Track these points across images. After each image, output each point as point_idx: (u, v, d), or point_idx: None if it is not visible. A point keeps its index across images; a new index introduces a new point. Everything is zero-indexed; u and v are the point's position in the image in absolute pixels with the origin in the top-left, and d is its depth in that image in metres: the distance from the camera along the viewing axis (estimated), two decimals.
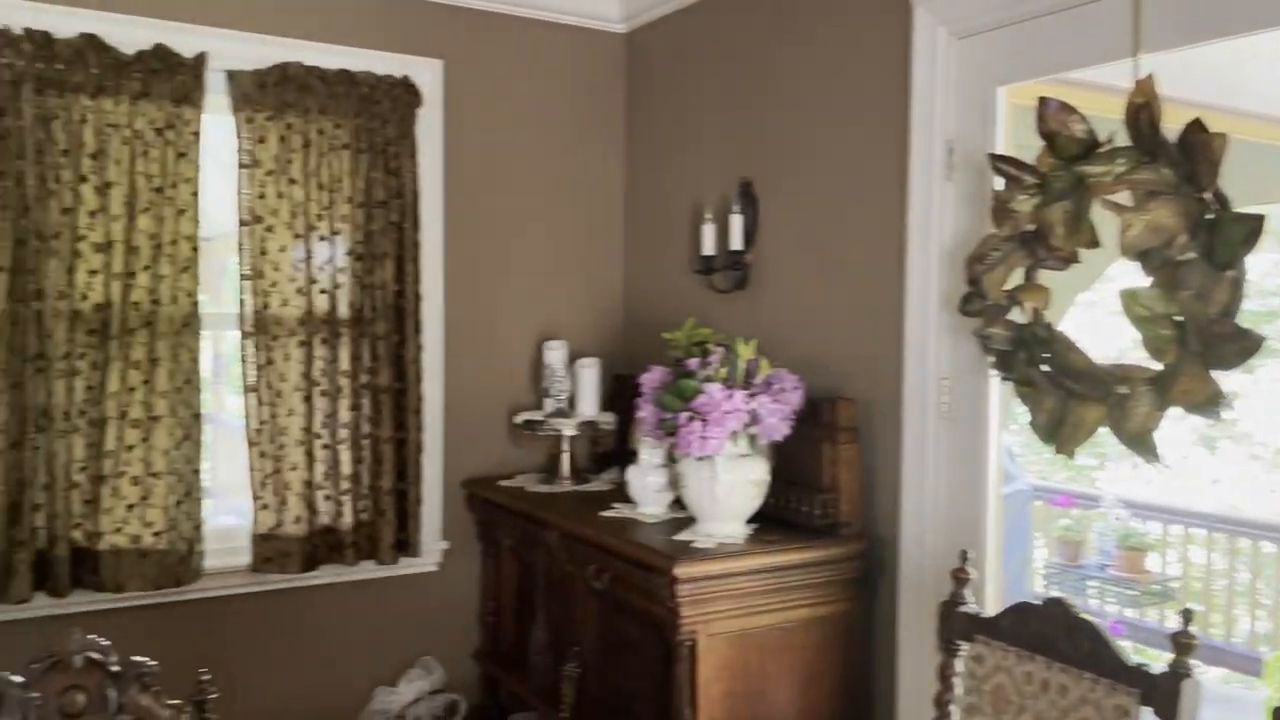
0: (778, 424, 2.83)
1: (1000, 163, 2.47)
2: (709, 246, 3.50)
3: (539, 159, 4.01)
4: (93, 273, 3.19)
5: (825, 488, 2.94)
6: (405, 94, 3.64)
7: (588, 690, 3.18)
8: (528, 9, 3.93)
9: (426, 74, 3.72)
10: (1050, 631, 2.05)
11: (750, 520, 2.94)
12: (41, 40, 3.09)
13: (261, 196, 3.44)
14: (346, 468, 3.57)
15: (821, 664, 2.89)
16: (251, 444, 3.46)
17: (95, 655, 1.72)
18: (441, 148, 3.79)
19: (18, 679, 1.67)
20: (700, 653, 2.70)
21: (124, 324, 3.22)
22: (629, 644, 3.00)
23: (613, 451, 3.84)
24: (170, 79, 3.25)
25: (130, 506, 3.25)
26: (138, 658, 1.76)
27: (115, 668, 1.74)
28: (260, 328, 3.45)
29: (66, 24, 3.13)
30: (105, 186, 3.19)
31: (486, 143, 3.90)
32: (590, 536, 3.08)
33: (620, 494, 3.33)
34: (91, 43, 3.15)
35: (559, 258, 4.07)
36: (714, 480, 2.82)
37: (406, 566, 3.71)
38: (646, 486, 3.16)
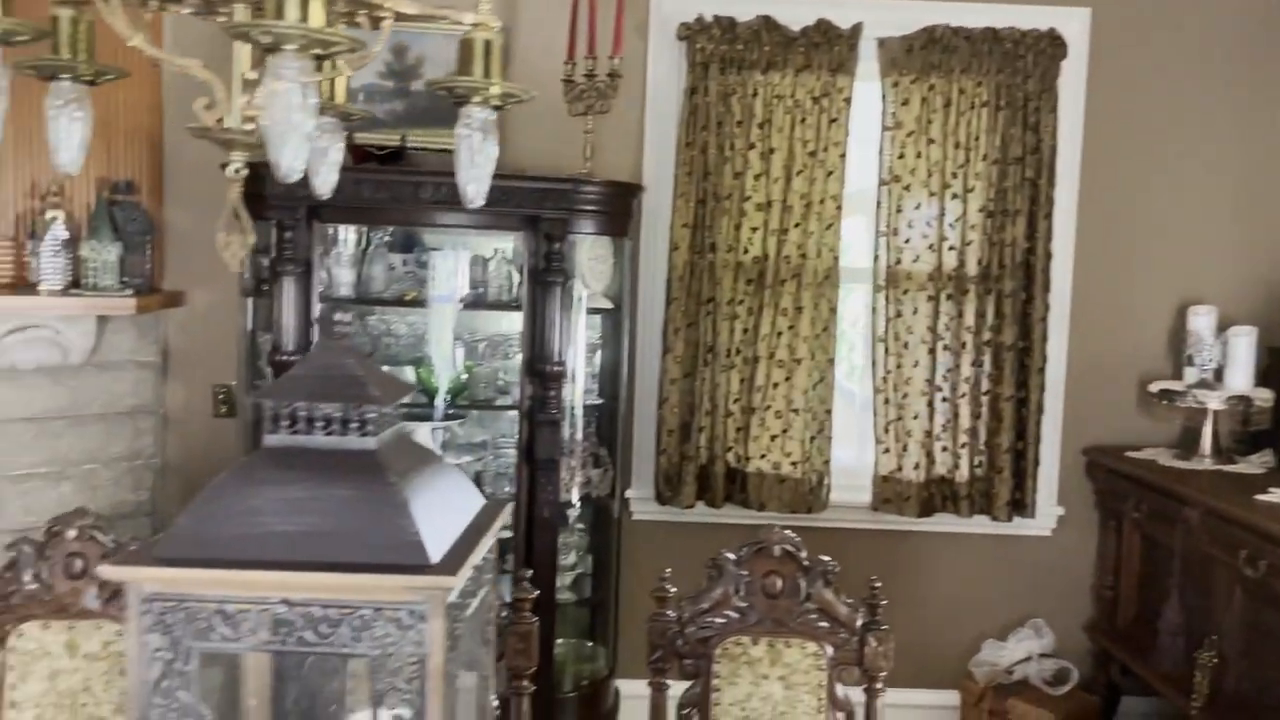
0: None
1: None
2: None
3: (1191, 107, 3.68)
4: (754, 229, 3.61)
5: None
6: (1050, 47, 3.57)
7: (1224, 683, 2.92)
8: None
9: (1073, 24, 3.60)
10: None
11: None
12: (726, 25, 3.55)
13: (901, 157, 3.61)
14: (965, 422, 3.65)
15: None
16: (877, 391, 3.69)
17: (790, 549, 2.00)
18: (1083, 100, 3.65)
19: (732, 556, 2.00)
20: None
21: (776, 275, 3.61)
22: None
23: (1268, 431, 3.43)
24: (829, 51, 3.54)
25: (773, 437, 3.66)
26: (824, 557, 2.01)
27: (806, 562, 2.00)
28: (891, 282, 3.65)
29: (745, 8, 3.56)
30: (769, 152, 3.58)
31: (1132, 92, 3.67)
32: (1245, 519, 2.82)
33: (1276, 478, 3.00)
34: (766, 23, 3.54)
35: (1209, 216, 3.71)
36: None
37: (1019, 527, 3.70)
38: None
